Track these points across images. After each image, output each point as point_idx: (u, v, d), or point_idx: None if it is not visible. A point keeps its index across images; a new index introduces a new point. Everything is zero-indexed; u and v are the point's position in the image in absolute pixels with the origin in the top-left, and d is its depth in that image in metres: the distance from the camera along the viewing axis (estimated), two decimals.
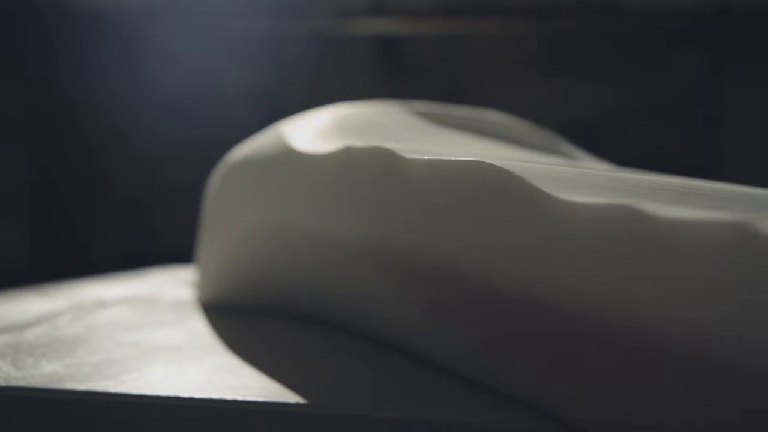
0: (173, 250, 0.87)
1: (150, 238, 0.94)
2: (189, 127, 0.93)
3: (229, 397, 0.15)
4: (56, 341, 0.20)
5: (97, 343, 0.20)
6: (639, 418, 0.12)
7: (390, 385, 0.16)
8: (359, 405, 0.14)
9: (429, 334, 0.16)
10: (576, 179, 0.13)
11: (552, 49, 0.94)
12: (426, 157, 0.14)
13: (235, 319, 0.23)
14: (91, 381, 0.16)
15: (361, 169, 0.16)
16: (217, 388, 0.15)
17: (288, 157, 0.19)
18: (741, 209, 0.13)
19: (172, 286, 0.31)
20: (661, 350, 0.11)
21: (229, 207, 0.22)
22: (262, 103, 0.94)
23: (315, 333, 0.21)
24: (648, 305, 0.11)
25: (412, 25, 0.95)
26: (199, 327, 0.22)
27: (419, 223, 0.14)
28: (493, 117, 0.23)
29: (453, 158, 0.14)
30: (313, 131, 0.19)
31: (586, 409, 0.12)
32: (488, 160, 0.13)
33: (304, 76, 0.94)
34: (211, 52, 0.94)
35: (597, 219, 0.11)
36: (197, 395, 0.15)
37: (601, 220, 0.11)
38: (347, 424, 0.14)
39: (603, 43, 0.93)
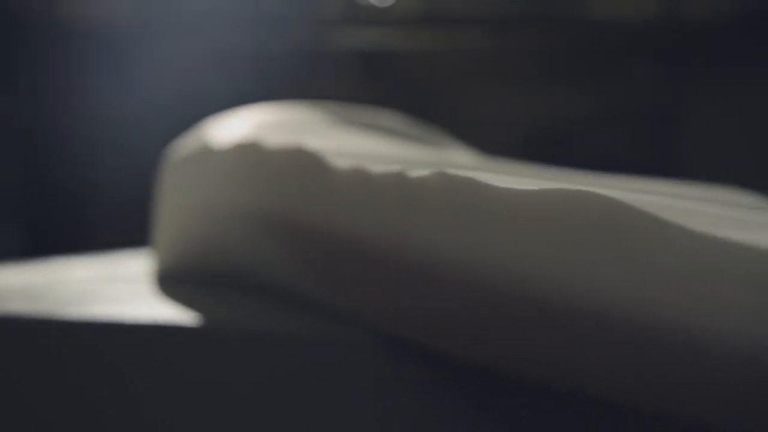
0: None
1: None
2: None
3: (151, 322, 0.20)
4: (22, 295, 0.25)
5: (58, 295, 0.25)
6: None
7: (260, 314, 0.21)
8: (230, 323, 0.20)
9: (310, 286, 0.21)
10: (380, 158, 0.18)
11: (534, 59, 0.99)
12: (280, 145, 0.20)
13: (178, 285, 0.28)
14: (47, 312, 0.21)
15: (245, 156, 0.22)
16: (143, 317, 0.21)
17: (202, 151, 0.24)
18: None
19: (136, 262, 0.36)
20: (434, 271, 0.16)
21: (167, 193, 0.27)
22: None
23: (245, 291, 0.26)
24: (410, 235, 0.16)
25: (391, 36, 1.00)
26: (146, 289, 0.27)
27: (279, 193, 0.20)
28: (386, 118, 0.29)
29: (293, 145, 0.19)
30: (226, 129, 0.25)
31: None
32: (306, 145, 0.19)
33: (285, 86, 0.99)
34: (197, 63, 1.00)
35: (369, 181, 0.17)
36: (128, 321, 0.21)
37: (373, 182, 0.16)
38: (214, 337, 0.20)
39: (578, 53, 0.98)
